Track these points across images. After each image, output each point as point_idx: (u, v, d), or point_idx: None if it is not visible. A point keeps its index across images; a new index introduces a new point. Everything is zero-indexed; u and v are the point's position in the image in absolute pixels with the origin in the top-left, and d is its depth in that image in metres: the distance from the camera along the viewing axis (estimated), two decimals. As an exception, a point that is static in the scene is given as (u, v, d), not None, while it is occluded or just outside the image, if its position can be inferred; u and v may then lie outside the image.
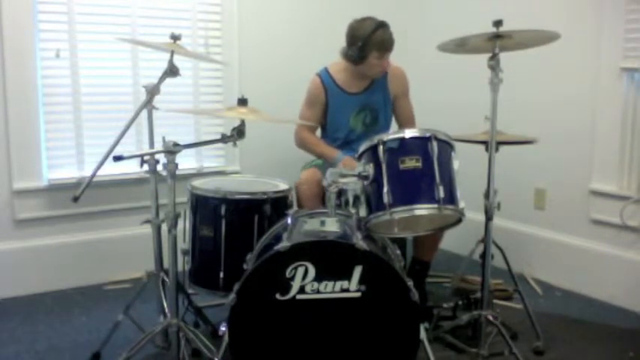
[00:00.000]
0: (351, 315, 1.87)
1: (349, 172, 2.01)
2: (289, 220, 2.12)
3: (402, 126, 2.98)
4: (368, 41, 2.66)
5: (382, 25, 2.69)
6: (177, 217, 2.01)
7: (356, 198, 2.02)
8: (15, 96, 2.91)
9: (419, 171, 1.97)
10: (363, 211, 2.00)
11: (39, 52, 2.95)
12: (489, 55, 2.12)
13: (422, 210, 1.95)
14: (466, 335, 2.38)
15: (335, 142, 2.91)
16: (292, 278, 1.84)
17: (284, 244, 1.84)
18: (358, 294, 1.85)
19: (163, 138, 1.96)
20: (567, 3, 3.11)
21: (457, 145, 2.12)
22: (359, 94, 2.87)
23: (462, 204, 2.01)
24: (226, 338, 1.88)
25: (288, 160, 3.09)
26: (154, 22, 3.19)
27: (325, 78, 2.87)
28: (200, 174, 3.28)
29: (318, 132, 3.01)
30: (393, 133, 2.07)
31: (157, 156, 2.18)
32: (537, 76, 3.23)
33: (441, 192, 1.93)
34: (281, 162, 3.24)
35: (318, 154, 2.88)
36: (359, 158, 2.08)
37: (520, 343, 2.42)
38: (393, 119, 3.01)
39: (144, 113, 2.26)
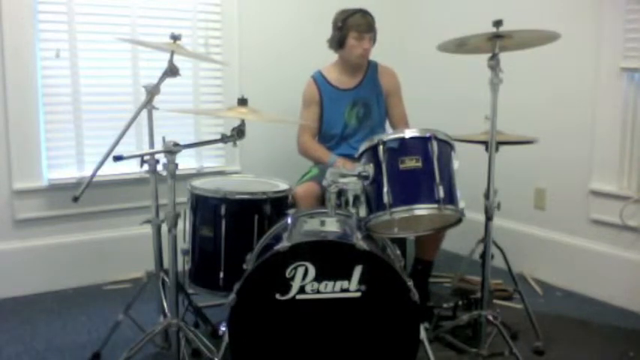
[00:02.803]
0: (351, 315, 1.86)
1: (349, 172, 2.01)
2: (289, 220, 2.12)
3: (394, 127, 3.02)
4: (346, 22, 2.79)
5: (362, 11, 2.82)
6: (177, 217, 2.01)
7: (356, 198, 2.02)
8: (15, 96, 2.91)
9: (419, 171, 1.97)
10: (363, 211, 2.00)
11: (39, 52, 2.95)
12: (489, 55, 2.12)
13: (422, 210, 1.95)
14: (466, 335, 2.38)
15: (332, 140, 2.96)
16: (292, 278, 1.84)
17: (284, 244, 1.84)
18: (358, 294, 1.85)
19: (163, 138, 1.97)
20: (567, 3, 3.10)
21: (457, 145, 2.12)
22: (351, 89, 2.95)
23: (462, 204, 2.01)
24: (226, 338, 1.88)
25: (288, 160, 3.09)
26: (153, 22, 3.19)
27: (318, 78, 2.97)
28: (200, 174, 3.28)
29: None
30: (393, 133, 2.07)
31: (156, 156, 2.18)
32: (537, 76, 3.23)
33: (440, 192, 1.93)
34: (281, 162, 3.24)
35: (316, 158, 2.93)
36: (359, 158, 2.09)
37: (520, 343, 2.42)
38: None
39: (144, 113, 2.27)
